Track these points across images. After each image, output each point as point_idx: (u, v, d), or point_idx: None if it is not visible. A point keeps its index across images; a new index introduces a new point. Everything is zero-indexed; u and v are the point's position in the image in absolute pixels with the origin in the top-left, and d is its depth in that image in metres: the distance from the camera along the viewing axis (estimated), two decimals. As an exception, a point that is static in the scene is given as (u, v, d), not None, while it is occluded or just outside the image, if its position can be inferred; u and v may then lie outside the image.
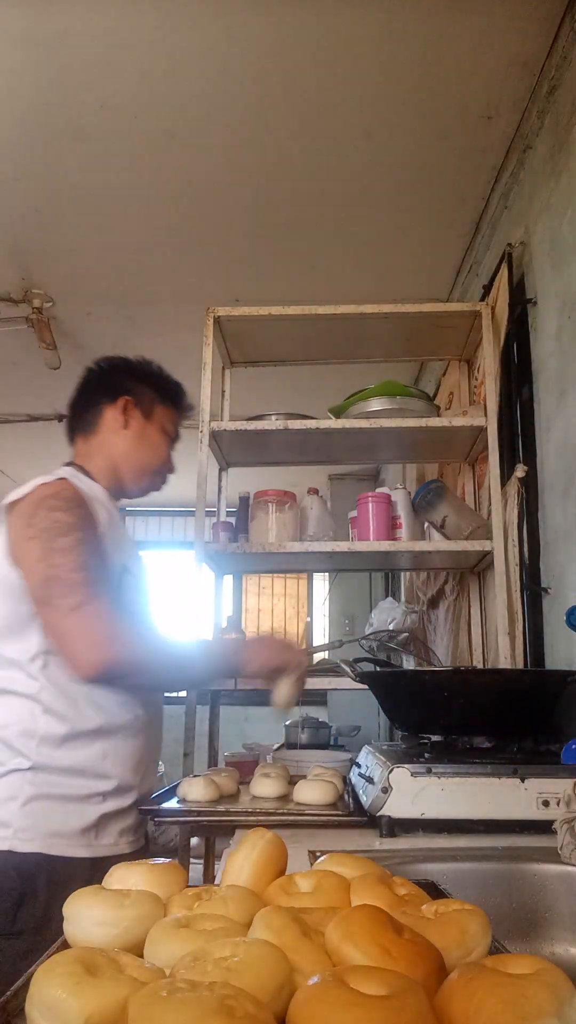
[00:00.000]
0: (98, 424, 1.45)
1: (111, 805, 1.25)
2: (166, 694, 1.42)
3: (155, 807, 1.26)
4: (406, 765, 1.12)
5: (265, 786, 1.34)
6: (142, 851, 1.33)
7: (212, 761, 2.16)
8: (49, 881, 1.15)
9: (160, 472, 1.51)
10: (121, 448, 1.44)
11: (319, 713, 4.15)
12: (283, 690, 1.32)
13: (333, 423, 2.11)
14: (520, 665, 1.83)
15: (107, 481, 1.43)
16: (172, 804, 1.30)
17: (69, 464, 1.44)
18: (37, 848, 1.17)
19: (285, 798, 1.32)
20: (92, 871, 1.17)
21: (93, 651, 1.16)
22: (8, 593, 1.23)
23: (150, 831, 1.41)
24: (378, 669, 1.61)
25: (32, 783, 1.20)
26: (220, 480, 2.50)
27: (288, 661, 1.33)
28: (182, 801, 1.30)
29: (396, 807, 1.09)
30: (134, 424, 1.46)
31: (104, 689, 1.25)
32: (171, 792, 1.36)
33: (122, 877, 0.66)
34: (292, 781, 1.37)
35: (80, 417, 1.48)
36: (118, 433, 1.45)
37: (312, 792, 1.27)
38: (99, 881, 0.66)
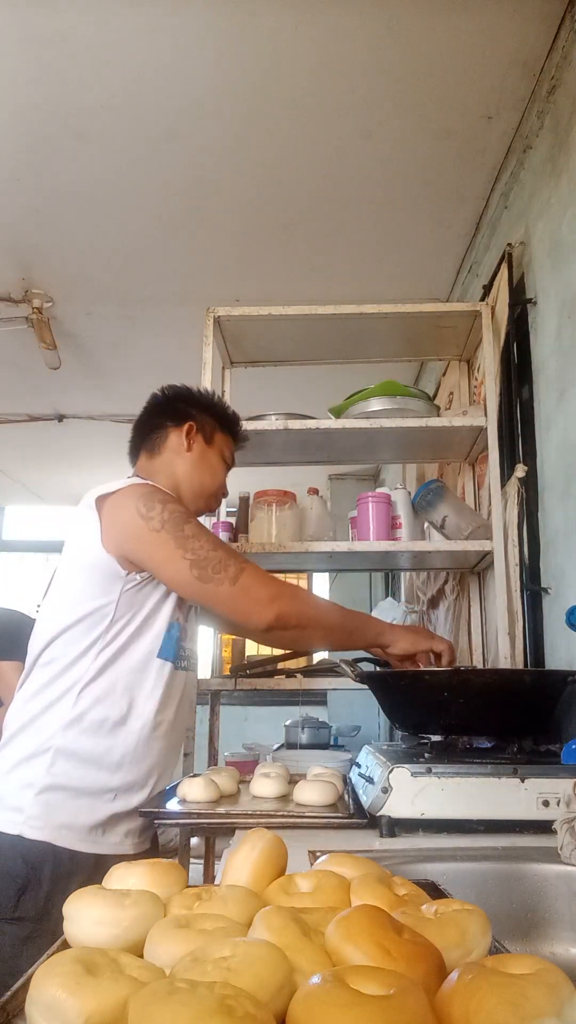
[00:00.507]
0: (163, 445, 1.54)
1: (120, 804, 1.28)
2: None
3: (155, 808, 1.26)
4: (406, 765, 1.12)
5: (265, 786, 1.34)
6: (146, 854, 1.34)
7: (212, 761, 2.16)
8: (53, 872, 1.18)
9: (216, 495, 1.60)
10: (183, 469, 1.53)
11: (319, 713, 4.16)
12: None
13: (333, 423, 2.11)
14: (520, 665, 1.83)
15: None
16: (172, 805, 1.29)
17: (134, 476, 1.52)
18: (45, 837, 1.21)
19: (285, 798, 1.32)
20: (95, 868, 1.20)
21: (268, 606, 1.30)
22: (100, 575, 1.31)
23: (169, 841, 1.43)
24: (378, 669, 1.61)
25: (50, 772, 1.24)
26: (220, 480, 2.50)
27: (432, 649, 1.45)
28: (182, 801, 1.30)
29: (396, 807, 1.09)
30: (197, 448, 1.54)
31: (141, 681, 1.32)
32: (171, 792, 1.36)
33: (122, 877, 0.66)
34: (292, 781, 1.37)
35: (146, 437, 1.57)
36: (181, 455, 1.53)
37: (312, 793, 1.27)
38: (101, 879, 0.66)
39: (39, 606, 1.44)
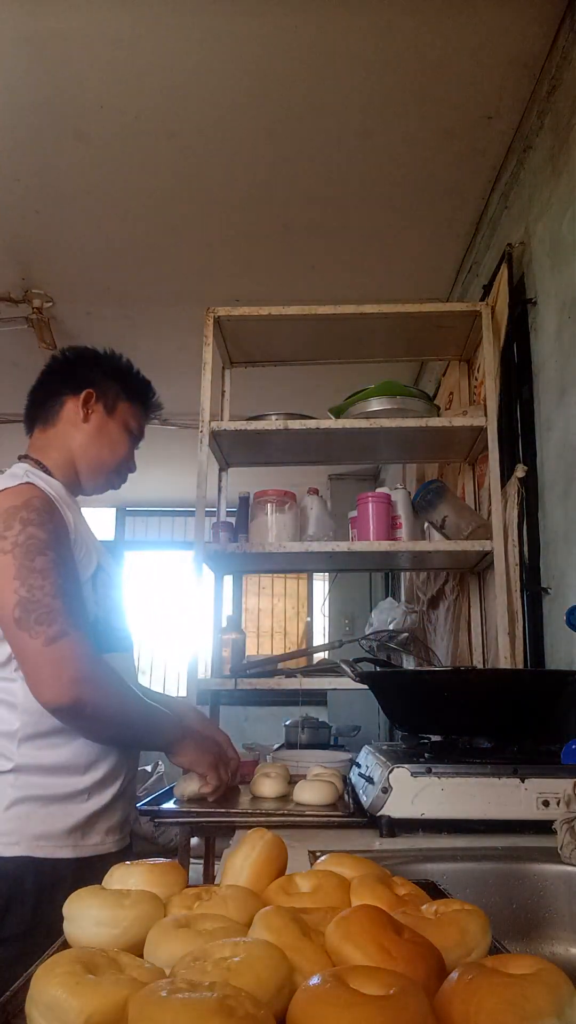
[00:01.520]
0: (58, 416, 1.41)
1: (95, 803, 1.23)
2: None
3: (155, 808, 1.26)
4: (406, 765, 1.12)
5: (265, 786, 1.34)
6: (127, 849, 1.31)
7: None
8: (36, 884, 1.14)
9: (119, 471, 1.47)
10: (79, 442, 1.40)
11: (319, 713, 4.15)
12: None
13: (333, 423, 2.11)
14: (520, 665, 1.83)
15: (63, 476, 1.38)
16: (172, 804, 1.30)
17: (24, 457, 1.41)
18: (23, 851, 1.15)
19: (285, 798, 1.32)
20: (79, 871, 1.15)
21: (63, 688, 1.12)
22: None
23: (149, 832, 1.41)
24: (378, 669, 1.61)
25: (14, 786, 1.18)
26: (220, 480, 2.50)
27: (213, 763, 1.30)
28: (180, 799, 1.30)
29: (396, 807, 1.09)
30: (95, 418, 1.41)
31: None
32: (171, 792, 1.36)
33: (122, 877, 0.66)
34: (292, 781, 1.37)
35: (40, 405, 1.44)
36: (77, 427, 1.40)
37: (312, 792, 1.27)
38: (87, 881, 0.65)
39: None
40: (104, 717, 1.18)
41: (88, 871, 0.68)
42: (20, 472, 1.29)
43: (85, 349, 1.48)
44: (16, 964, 1.04)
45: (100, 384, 1.42)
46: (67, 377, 1.43)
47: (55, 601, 1.14)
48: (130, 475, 1.53)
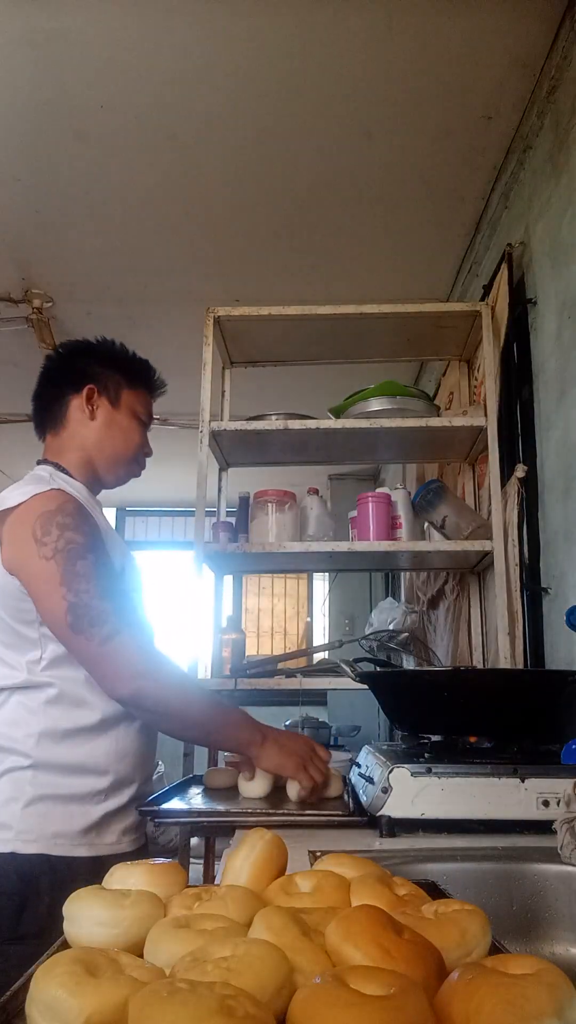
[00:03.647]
0: (65, 417, 1.40)
1: (112, 803, 1.24)
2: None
3: (155, 808, 1.26)
4: (406, 765, 1.12)
5: (249, 788, 1.32)
6: (142, 849, 1.32)
7: (212, 761, 2.15)
8: (52, 882, 1.15)
9: (136, 459, 1.46)
10: (92, 440, 1.39)
11: (319, 713, 4.16)
12: (292, 789, 1.27)
13: (333, 423, 2.11)
14: (520, 665, 1.83)
15: (84, 476, 1.39)
16: (172, 804, 1.30)
17: (43, 462, 1.40)
18: (39, 849, 1.17)
19: (272, 796, 1.30)
20: (94, 871, 1.15)
21: (127, 682, 1.16)
22: (8, 596, 1.22)
23: (149, 832, 1.41)
24: (378, 669, 1.61)
25: (33, 783, 1.19)
26: (220, 480, 2.50)
27: (302, 764, 1.26)
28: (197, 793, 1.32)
29: (396, 807, 1.09)
30: (101, 413, 1.40)
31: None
32: (171, 792, 1.36)
33: (122, 877, 0.66)
34: (280, 782, 1.34)
35: (46, 410, 1.43)
36: (86, 425, 1.39)
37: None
38: (101, 881, 0.66)
39: None
40: (166, 710, 1.21)
41: (103, 870, 0.68)
42: (46, 476, 1.31)
43: (78, 343, 1.46)
44: (31, 963, 1.05)
45: (100, 377, 1.41)
46: (66, 376, 1.42)
47: (103, 603, 1.17)
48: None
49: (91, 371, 1.41)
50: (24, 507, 1.22)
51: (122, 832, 1.26)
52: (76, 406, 1.40)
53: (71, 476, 1.37)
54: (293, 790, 1.26)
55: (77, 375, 1.41)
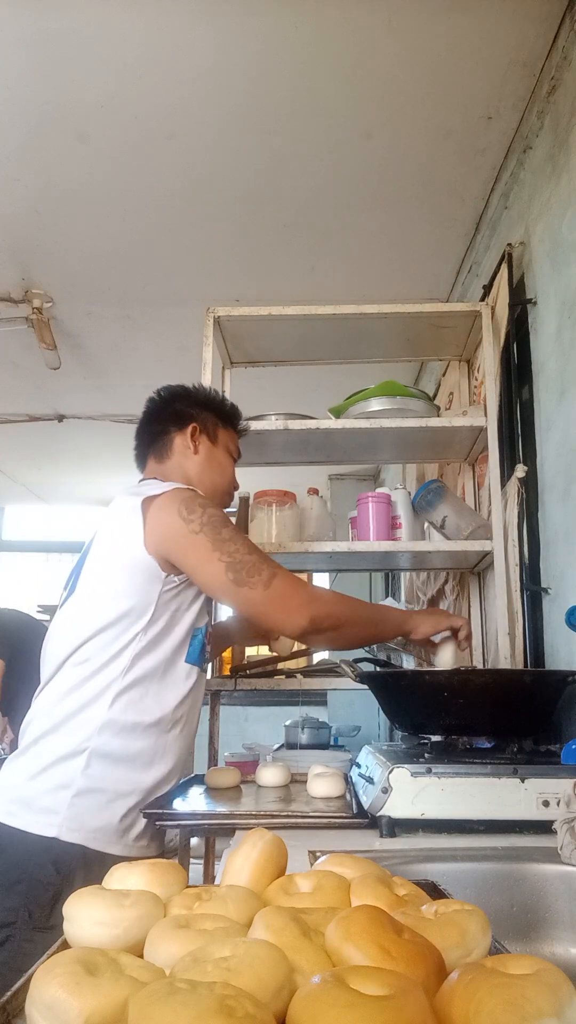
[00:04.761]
0: (170, 450, 1.55)
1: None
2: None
3: (156, 809, 1.26)
4: (406, 765, 1.12)
5: (269, 776, 1.39)
6: (161, 857, 1.35)
7: (212, 761, 2.15)
8: (86, 876, 1.18)
9: (228, 491, 1.61)
10: (194, 472, 1.54)
11: (319, 713, 4.16)
12: (446, 655, 1.48)
13: (333, 423, 2.11)
14: (520, 665, 1.83)
15: None
16: (174, 805, 1.30)
17: (150, 479, 1.52)
18: (79, 840, 1.21)
19: (289, 789, 1.37)
20: None
21: (301, 611, 1.30)
22: (140, 577, 1.32)
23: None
24: (378, 669, 1.61)
25: (85, 774, 1.24)
26: (220, 480, 2.50)
27: (451, 626, 1.49)
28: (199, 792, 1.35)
29: (396, 807, 1.09)
30: (203, 449, 1.55)
31: (170, 684, 1.34)
32: (173, 792, 1.36)
33: (122, 877, 0.66)
34: (293, 780, 1.39)
35: (151, 444, 1.57)
36: (189, 458, 1.54)
37: (325, 786, 1.33)
38: None
39: (40, 606, 1.44)
40: (342, 622, 1.37)
41: None
42: (162, 482, 1.45)
43: (177, 387, 1.62)
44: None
45: (200, 417, 1.57)
46: (169, 415, 1.57)
47: (252, 556, 1.32)
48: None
49: (192, 412, 1.57)
50: (168, 495, 1.36)
51: (151, 837, 1.31)
52: (180, 441, 1.55)
53: None
54: (446, 655, 1.47)
55: (181, 415, 1.57)
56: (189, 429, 1.54)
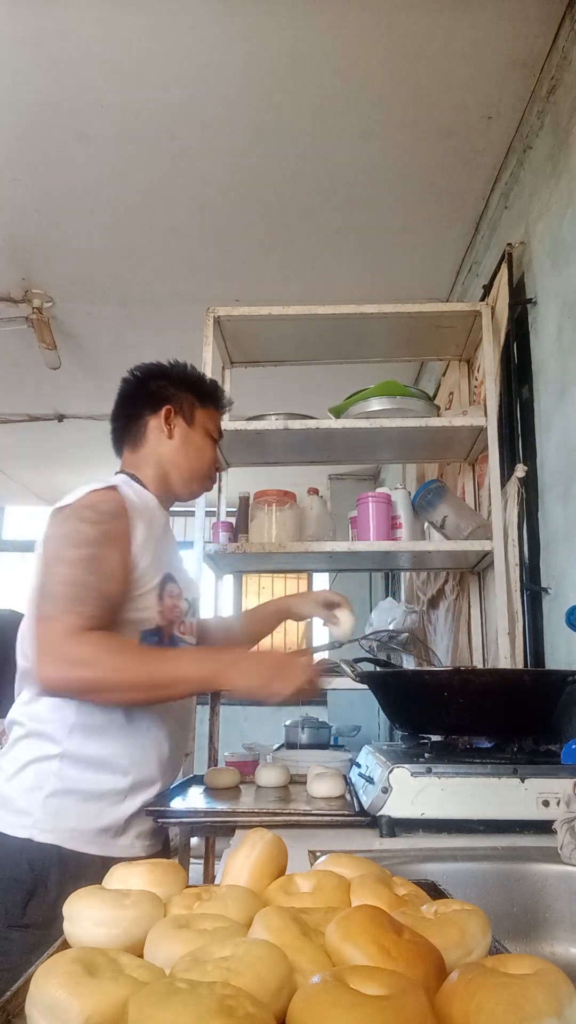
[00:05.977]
0: (144, 435, 1.47)
1: (130, 806, 1.26)
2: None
3: (156, 808, 1.26)
4: (406, 765, 1.12)
5: (268, 776, 1.38)
6: (157, 856, 1.32)
7: (212, 761, 2.15)
8: (61, 876, 1.17)
9: (209, 475, 1.53)
10: (169, 457, 1.46)
11: (319, 713, 4.16)
12: (344, 623, 1.48)
13: (333, 423, 2.11)
14: (520, 665, 1.83)
15: (158, 489, 1.45)
16: (174, 804, 1.30)
17: (121, 472, 1.46)
18: (54, 840, 1.19)
19: (288, 789, 1.36)
20: (103, 871, 1.16)
21: (46, 667, 1.14)
22: None
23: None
24: (378, 669, 1.61)
25: (58, 776, 1.22)
26: (220, 480, 2.50)
27: (282, 683, 1.21)
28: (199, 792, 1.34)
29: (396, 807, 1.09)
30: (179, 432, 1.47)
31: None
32: (172, 792, 1.36)
33: (122, 877, 0.66)
34: (293, 781, 1.38)
35: (124, 430, 1.49)
36: (163, 442, 1.46)
37: (325, 786, 1.32)
38: None
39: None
40: (101, 688, 1.16)
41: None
42: (119, 480, 1.38)
43: (152, 365, 1.52)
44: (34, 951, 1.06)
45: (175, 398, 1.47)
46: (143, 397, 1.48)
47: (62, 588, 1.18)
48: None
49: (166, 392, 1.48)
50: (72, 505, 1.27)
51: (136, 836, 1.27)
52: (154, 425, 1.46)
53: (144, 487, 1.43)
54: (345, 622, 1.47)
55: (154, 396, 1.47)
56: (163, 412, 1.45)
